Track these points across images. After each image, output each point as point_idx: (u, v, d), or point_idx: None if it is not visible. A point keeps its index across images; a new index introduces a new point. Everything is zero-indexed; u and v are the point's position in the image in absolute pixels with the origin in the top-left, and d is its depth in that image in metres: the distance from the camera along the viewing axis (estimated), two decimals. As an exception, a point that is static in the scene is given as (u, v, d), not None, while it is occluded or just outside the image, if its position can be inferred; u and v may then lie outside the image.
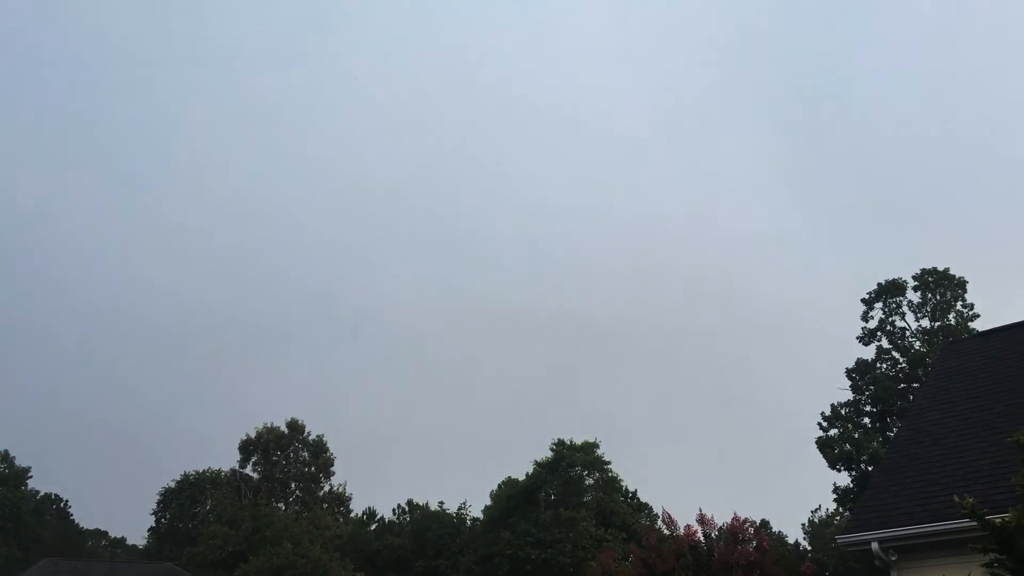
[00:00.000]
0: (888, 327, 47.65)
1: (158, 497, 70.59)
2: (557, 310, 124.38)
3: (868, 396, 45.69)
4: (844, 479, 44.44)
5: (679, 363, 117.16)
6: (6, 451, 74.77)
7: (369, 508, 73.70)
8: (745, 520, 28.11)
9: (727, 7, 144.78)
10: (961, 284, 46.63)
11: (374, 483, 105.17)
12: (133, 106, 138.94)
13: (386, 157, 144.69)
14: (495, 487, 56.25)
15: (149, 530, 71.72)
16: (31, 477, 75.49)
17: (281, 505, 62.17)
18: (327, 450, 65.32)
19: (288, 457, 64.33)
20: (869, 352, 47.40)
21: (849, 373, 46.81)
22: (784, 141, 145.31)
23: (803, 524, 62.08)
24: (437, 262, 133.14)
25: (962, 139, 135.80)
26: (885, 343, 47.48)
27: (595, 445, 53.81)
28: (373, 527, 70.10)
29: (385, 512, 71.67)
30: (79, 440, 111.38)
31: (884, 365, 46.67)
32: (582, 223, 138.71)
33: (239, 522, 51.28)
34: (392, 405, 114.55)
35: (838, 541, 15.10)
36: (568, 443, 53.31)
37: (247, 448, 63.75)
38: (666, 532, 29.69)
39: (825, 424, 45.71)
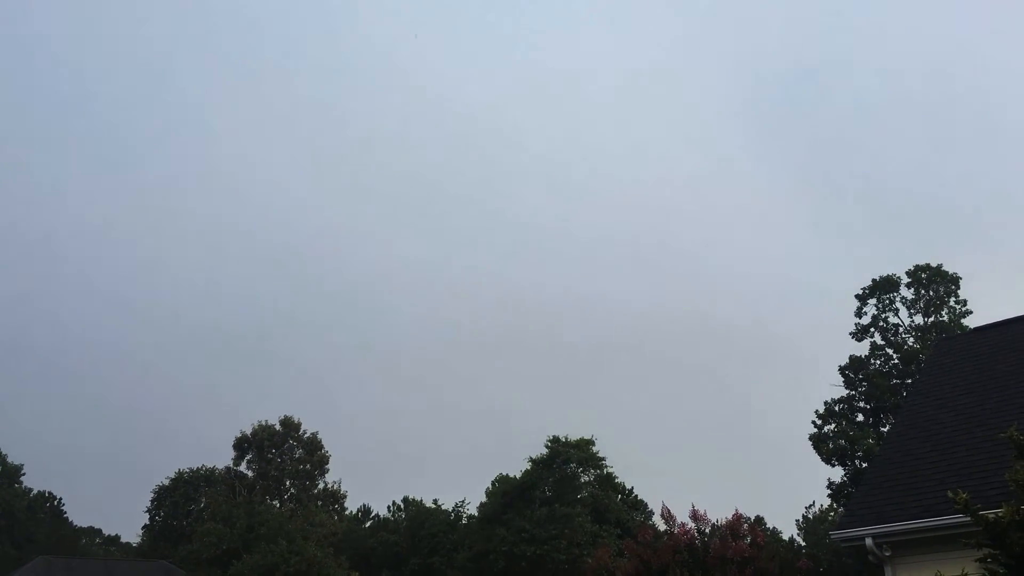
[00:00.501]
0: (882, 323, 47.83)
1: (152, 495, 70.51)
2: (557, 311, 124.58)
3: (862, 392, 45.88)
4: (838, 475, 44.70)
5: (674, 360, 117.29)
6: (-1, 449, 74.72)
7: (364, 505, 73.81)
8: (740, 516, 28.23)
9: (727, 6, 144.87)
10: (954, 280, 46.81)
11: (369, 481, 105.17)
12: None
13: (391, 142, 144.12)
14: (490, 484, 56.30)
15: (143, 528, 71.58)
16: (24, 475, 75.48)
17: (276, 503, 62.13)
18: (322, 447, 65.32)
19: (283, 455, 64.29)
20: (863, 348, 47.65)
21: (843, 369, 46.98)
22: (779, 137, 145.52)
23: (797, 520, 62.20)
24: (436, 258, 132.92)
25: (958, 135, 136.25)
26: (879, 339, 47.67)
27: (590, 442, 53.80)
28: (368, 524, 70.14)
29: (380, 509, 71.82)
30: (73, 438, 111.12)
31: (878, 361, 46.86)
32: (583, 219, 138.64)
33: (234, 520, 51.18)
34: (388, 404, 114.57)
35: (832, 537, 15.16)
36: (563, 440, 53.32)
37: (242, 445, 63.69)
38: (661, 528, 29.75)
39: (819, 420, 45.89)
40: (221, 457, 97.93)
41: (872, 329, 47.84)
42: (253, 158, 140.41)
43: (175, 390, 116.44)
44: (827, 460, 44.09)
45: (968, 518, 9.15)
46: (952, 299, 46.72)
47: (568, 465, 53.21)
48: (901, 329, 47.58)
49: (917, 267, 47.42)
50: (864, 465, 40.22)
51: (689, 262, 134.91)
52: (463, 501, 60.36)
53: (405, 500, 67.62)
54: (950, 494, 9.56)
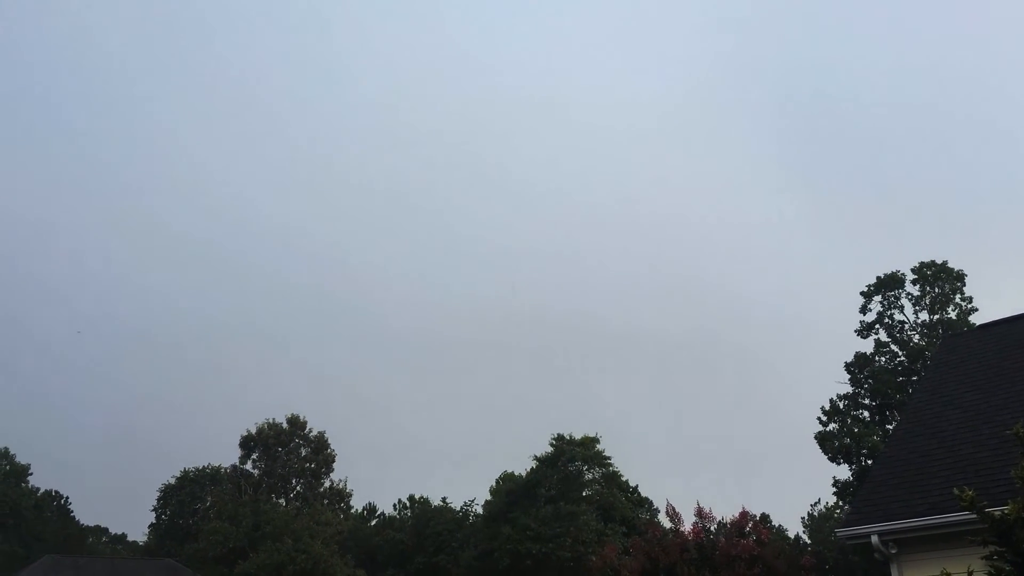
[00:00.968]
0: (887, 320, 47.70)
1: (159, 494, 70.80)
2: (560, 309, 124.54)
3: (867, 389, 45.78)
4: (844, 472, 44.63)
5: (679, 359, 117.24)
6: (6, 448, 75.13)
7: (369, 503, 73.97)
8: (746, 514, 28.25)
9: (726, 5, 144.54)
10: (960, 277, 46.65)
11: (376, 480, 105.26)
12: (129, 115, 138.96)
13: (386, 158, 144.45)
14: (494, 482, 56.36)
15: (150, 527, 71.87)
16: (31, 474, 75.79)
17: (282, 501, 62.26)
18: (328, 446, 65.38)
19: (289, 453, 64.39)
20: (868, 345, 47.55)
21: (848, 366, 46.88)
22: (782, 135, 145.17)
23: (803, 518, 62.26)
24: (438, 262, 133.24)
25: (961, 132, 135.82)
26: (884, 336, 47.54)
27: (595, 440, 53.85)
28: (373, 522, 70.29)
29: (386, 508, 71.95)
30: (79, 437, 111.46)
31: (883, 358, 46.74)
32: (583, 220, 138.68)
33: (240, 518, 51.34)
34: (394, 403, 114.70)
35: (838, 534, 15.13)
36: (568, 438, 53.36)
37: (248, 444, 63.82)
38: (668, 526, 29.75)
39: (824, 418, 45.80)
40: (227, 456, 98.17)
41: (877, 326, 47.73)
42: (254, 168, 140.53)
43: (181, 388, 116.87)
44: (832, 458, 44.01)
45: (974, 515, 9.13)
46: (958, 296, 46.57)
47: (573, 463, 53.25)
48: (907, 326, 47.45)
49: (923, 264, 47.28)
50: (869, 462, 40.15)
51: (690, 263, 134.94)
52: (472, 500, 60.56)
53: (411, 498, 67.77)
54: (956, 491, 9.54)
